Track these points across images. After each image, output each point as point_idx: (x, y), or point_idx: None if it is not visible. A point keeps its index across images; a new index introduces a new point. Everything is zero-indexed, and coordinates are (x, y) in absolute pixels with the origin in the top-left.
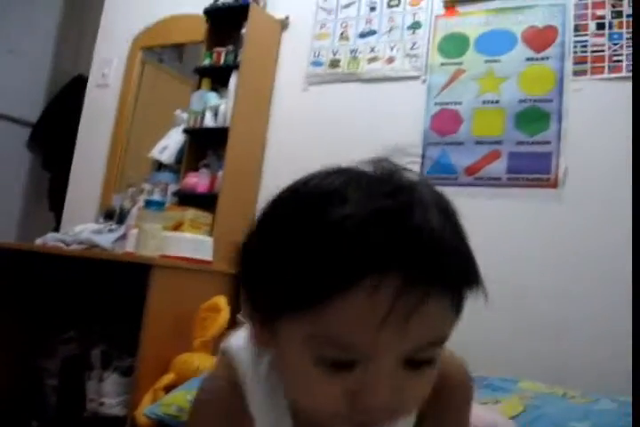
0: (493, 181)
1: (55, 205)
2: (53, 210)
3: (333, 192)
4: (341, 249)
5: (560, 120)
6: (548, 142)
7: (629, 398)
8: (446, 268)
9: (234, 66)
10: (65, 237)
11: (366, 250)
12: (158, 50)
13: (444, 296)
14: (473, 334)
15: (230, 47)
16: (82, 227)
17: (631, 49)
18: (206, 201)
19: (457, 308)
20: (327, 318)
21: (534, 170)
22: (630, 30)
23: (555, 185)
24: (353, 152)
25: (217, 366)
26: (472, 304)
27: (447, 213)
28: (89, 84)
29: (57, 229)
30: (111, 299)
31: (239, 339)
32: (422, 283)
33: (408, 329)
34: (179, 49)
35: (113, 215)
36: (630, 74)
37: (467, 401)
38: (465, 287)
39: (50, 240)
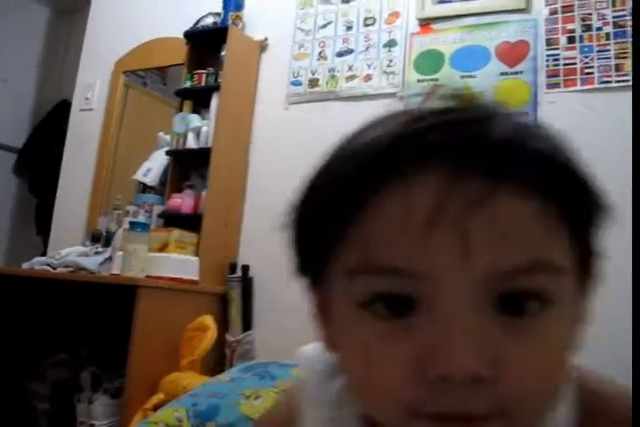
0: None
1: (42, 230)
2: (41, 234)
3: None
4: (365, 149)
5: None
6: None
7: None
8: (524, 162)
9: (215, 87)
10: (51, 261)
11: (397, 141)
12: (142, 73)
13: (531, 201)
14: None
15: (211, 69)
16: (68, 250)
17: (603, 61)
18: (191, 221)
19: (570, 227)
20: (363, 239)
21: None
22: (600, 43)
23: None
24: None
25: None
26: None
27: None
28: (72, 109)
29: (45, 254)
30: (99, 321)
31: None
32: (484, 174)
33: (470, 239)
34: (162, 72)
35: (99, 238)
36: (602, 86)
37: None
38: (572, 198)
39: (36, 264)
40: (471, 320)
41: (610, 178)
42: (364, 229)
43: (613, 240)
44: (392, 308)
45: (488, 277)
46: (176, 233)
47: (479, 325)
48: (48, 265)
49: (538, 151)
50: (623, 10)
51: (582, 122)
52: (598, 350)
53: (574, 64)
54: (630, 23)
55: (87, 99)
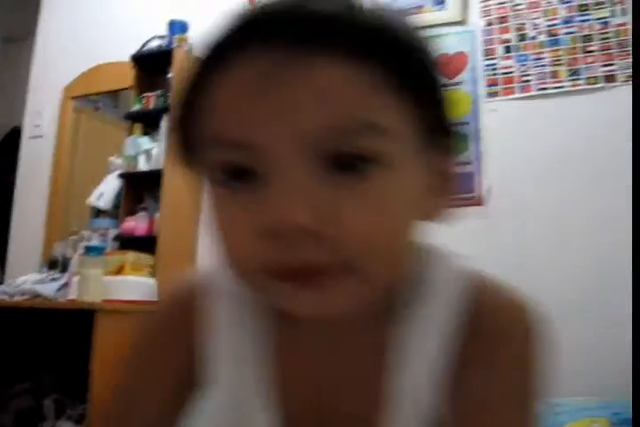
0: None
1: None
2: None
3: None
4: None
5: (478, 141)
6: (469, 163)
7: (556, 400)
8: (335, 30)
9: (164, 109)
10: (8, 289)
11: (225, 32)
12: (94, 97)
13: (349, 65)
14: None
15: (159, 91)
16: (24, 278)
17: (539, 69)
18: (146, 243)
19: (404, 96)
20: (207, 118)
21: (459, 190)
22: (535, 51)
23: (479, 203)
24: None
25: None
26: None
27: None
28: (23, 136)
29: (2, 282)
30: (60, 347)
31: None
32: (303, 46)
33: (293, 101)
34: (113, 95)
35: (56, 264)
36: (540, 92)
37: (523, 362)
38: (390, 61)
39: None
40: (299, 178)
41: (549, 179)
42: (207, 110)
43: (536, 248)
44: (237, 177)
45: (311, 137)
46: (131, 256)
47: (308, 182)
48: (4, 293)
49: (357, 22)
50: (555, 19)
51: (522, 127)
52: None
53: (512, 73)
54: (563, 31)
55: (37, 126)
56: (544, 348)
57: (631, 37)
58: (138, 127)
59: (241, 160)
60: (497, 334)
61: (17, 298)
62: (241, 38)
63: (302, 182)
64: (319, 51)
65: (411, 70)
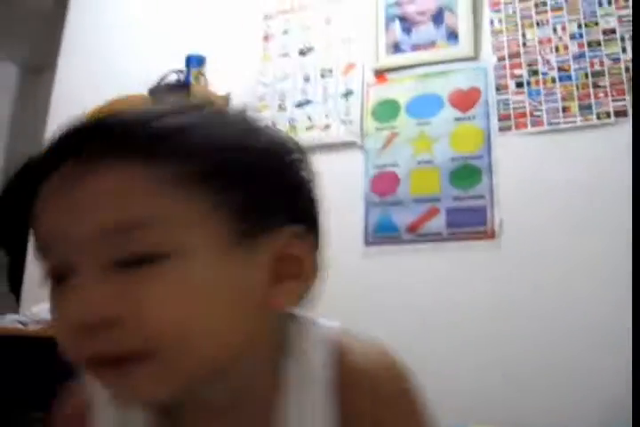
0: (434, 237)
1: (15, 287)
2: (13, 291)
3: None
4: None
5: (491, 175)
6: (482, 196)
7: None
8: (121, 141)
9: None
10: (23, 318)
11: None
12: None
13: (131, 170)
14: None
15: None
16: (40, 307)
17: (550, 104)
18: None
19: (167, 185)
20: (34, 228)
21: (472, 223)
22: (547, 86)
23: (492, 236)
24: None
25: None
26: (418, 353)
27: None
28: None
29: (17, 311)
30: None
31: None
32: (94, 155)
33: (77, 210)
34: None
35: None
36: (552, 127)
37: (397, 407)
38: (164, 163)
39: (8, 322)
40: (90, 274)
41: (561, 213)
42: (34, 221)
43: (547, 281)
44: (57, 277)
45: (96, 236)
46: None
47: (99, 277)
48: (20, 322)
49: (147, 130)
50: (566, 54)
51: (534, 162)
52: (547, 396)
53: (523, 108)
54: (574, 66)
55: None
56: (413, 396)
57: (632, 74)
58: None
59: (49, 262)
60: (369, 394)
61: (31, 327)
62: (55, 151)
63: (93, 278)
64: (107, 159)
65: (209, 170)
